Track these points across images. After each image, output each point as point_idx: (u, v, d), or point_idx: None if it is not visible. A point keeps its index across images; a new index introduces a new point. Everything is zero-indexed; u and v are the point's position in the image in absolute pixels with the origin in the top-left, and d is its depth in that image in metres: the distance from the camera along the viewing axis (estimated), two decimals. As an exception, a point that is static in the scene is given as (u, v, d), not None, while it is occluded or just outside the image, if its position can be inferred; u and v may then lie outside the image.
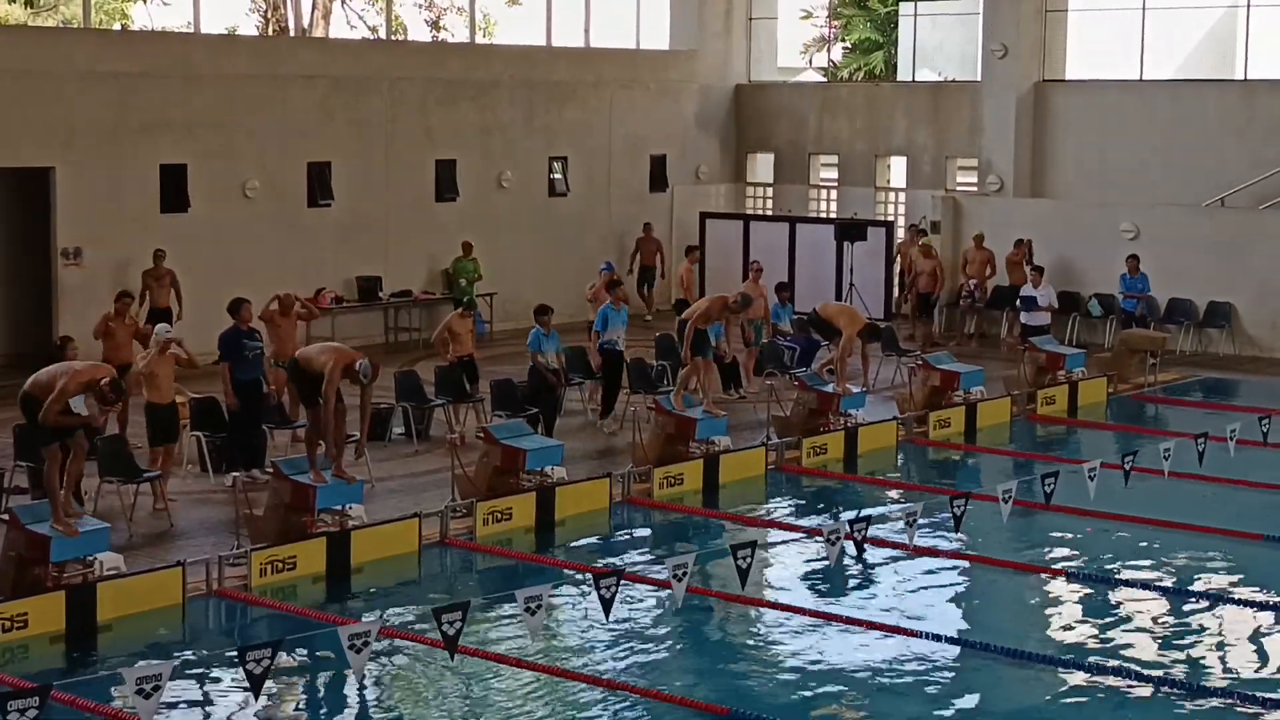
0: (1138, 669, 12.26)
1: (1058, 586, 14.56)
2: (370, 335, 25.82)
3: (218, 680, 11.82)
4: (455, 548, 15.24)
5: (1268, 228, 26.45)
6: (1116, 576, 14.65)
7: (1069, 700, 11.84)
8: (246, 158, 24.82)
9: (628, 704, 11.53)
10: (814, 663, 12.51)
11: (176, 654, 11.97)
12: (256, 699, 10.30)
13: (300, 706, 11.74)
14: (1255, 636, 13.17)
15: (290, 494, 14.71)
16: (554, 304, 20.51)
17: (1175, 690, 11.90)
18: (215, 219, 24.41)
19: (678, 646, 12.92)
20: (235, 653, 9.13)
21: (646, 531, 16.57)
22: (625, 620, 13.13)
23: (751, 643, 13.14)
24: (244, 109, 24.81)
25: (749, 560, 11.54)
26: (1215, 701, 11.65)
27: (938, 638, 12.89)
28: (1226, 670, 12.42)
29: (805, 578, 14.77)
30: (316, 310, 21.07)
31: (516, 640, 12.52)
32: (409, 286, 26.57)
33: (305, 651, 12.29)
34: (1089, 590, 14.37)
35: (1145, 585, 14.44)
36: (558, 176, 29.19)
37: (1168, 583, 14.51)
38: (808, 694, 11.88)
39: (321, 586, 14.14)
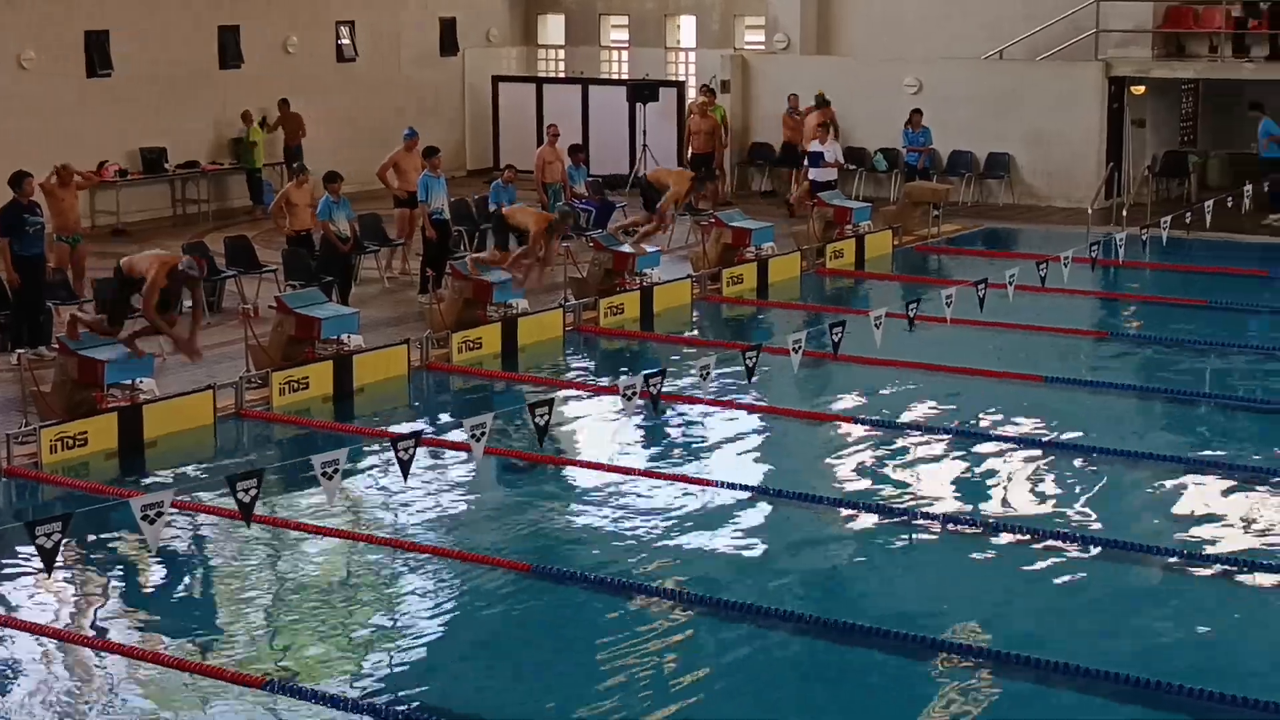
0: (927, 510, 12.71)
1: (849, 433, 14.96)
2: (157, 208, 25.29)
3: (11, 558, 11.68)
4: (251, 419, 15.16)
5: (1043, 79, 27.09)
6: (905, 422, 15.12)
7: (862, 542, 12.25)
8: (19, 27, 23.94)
9: (431, 565, 11.67)
10: (614, 517, 12.75)
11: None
12: (49, 575, 10.24)
13: (96, 583, 11.66)
14: (1036, 475, 13.69)
15: (78, 369, 14.47)
16: (346, 171, 20.27)
17: (964, 529, 12.37)
18: (-11, 91, 23.61)
19: (479, 507, 13.06)
20: (25, 529, 9.03)
21: (446, 396, 16.64)
22: (426, 483, 13.23)
23: (552, 500, 13.32)
24: (13, -24, 23.92)
25: (547, 418, 11.67)
26: (1005, 537, 12.13)
27: (734, 486, 13.22)
28: (1010, 508, 12.90)
29: (603, 434, 14.98)
30: (95, 177, 20.52)
31: (315, 507, 12.56)
32: (195, 158, 26.00)
33: (99, 527, 12.19)
34: (879, 436, 14.80)
35: (933, 429, 14.92)
36: (345, 42, 28.67)
37: (953, 426, 14.99)
38: (609, 548, 12.11)
39: (115, 463, 13.98)
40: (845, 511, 12.76)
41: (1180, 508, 12.86)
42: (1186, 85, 28.18)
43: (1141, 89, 27.13)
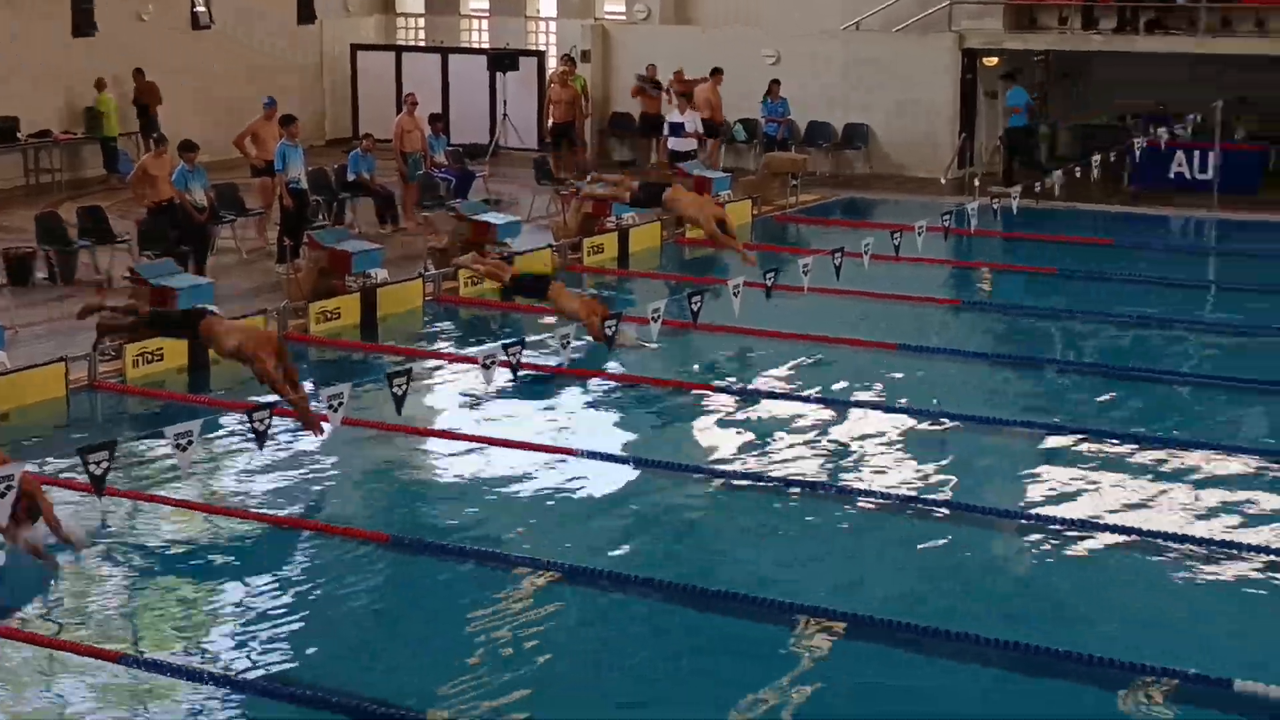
0: (786, 476, 12.89)
1: (708, 401, 15.11)
2: (9, 178, 24.83)
3: None
4: (105, 391, 14.98)
5: (898, 51, 27.45)
6: (763, 389, 15.31)
7: (722, 509, 12.40)
8: None
9: (289, 536, 11.64)
10: (474, 486, 12.79)
11: None
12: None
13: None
14: (893, 441, 13.93)
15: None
16: (203, 140, 20.03)
17: (820, 494, 12.55)
18: None
19: (337, 478, 13.03)
20: None
21: (304, 366, 16.52)
22: (283, 455, 13.17)
23: (411, 470, 13.34)
24: None
25: (404, 388, 11.68)
26: (863, 503, 12.33)
27: (593, 454, 13.32)
28: (867, 474, 13.09)
29: (463, 404, 15.00)
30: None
31: (170, 479, 12.46)
32: (48, 127, 25.53)
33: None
34: (738, 403, 14.97)
35: (790, 396, 15.12)
36: (201, 9, 28.22)
37: (811, 393, 15.20)
38: (469, 518, 12.14)
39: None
40: (705, 478, 12.89)
41: (1031, 472, 13.15)
42: (1037, 57, 28.68)
43: (994, 60, 27.59)
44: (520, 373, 13.90)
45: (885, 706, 9.33)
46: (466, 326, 18.16)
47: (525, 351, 13.82)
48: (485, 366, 12.48)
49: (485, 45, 31.58)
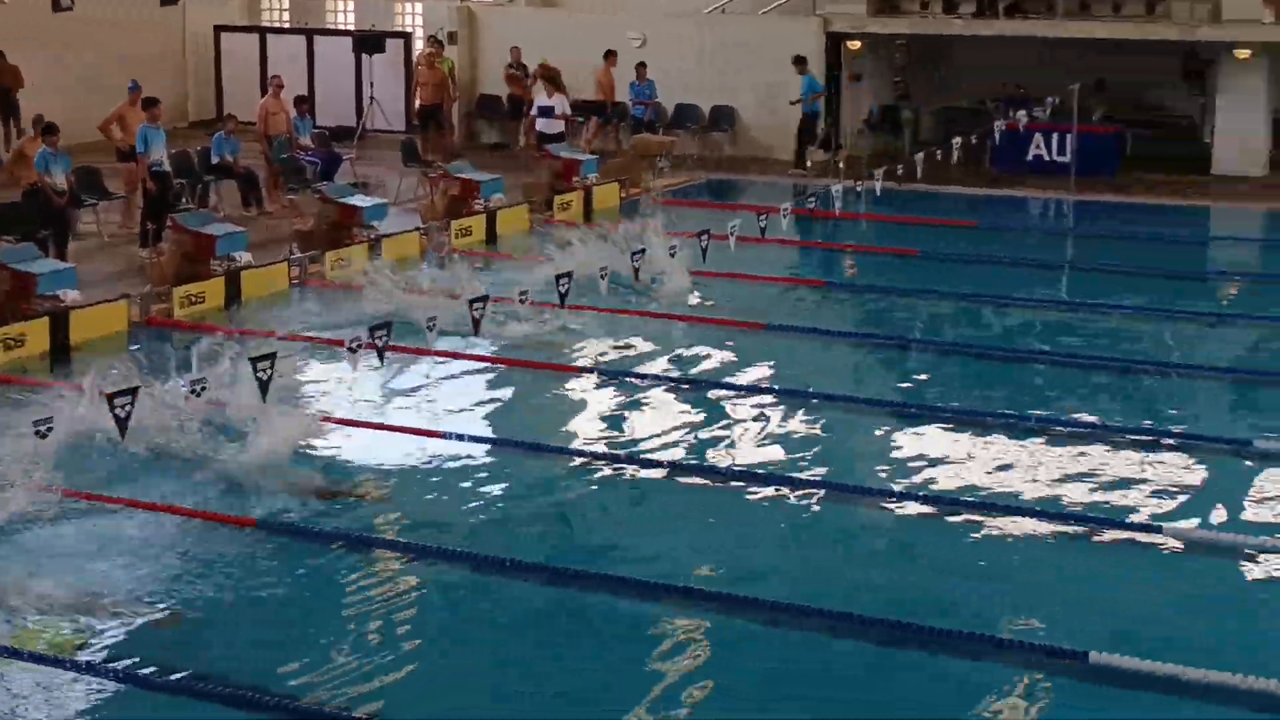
0: (657, 457, 13.00)
1: (578, 383, 15.19)
2: None
3: None
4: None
5: (764, 34, 27.67)
6: (632, 371, 15.40)
7: (594, 490, 12.43)
8: None
9: (155, 523, 11.53)
10: (343, 470, 12.75)
11: None
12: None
13: None
14: (761, 420, 14.09)
15: None
16: (65, 123, 19.71)
17: (693, 476, 12.65)
18: None
19: (202, 463, 12.92)
20: None
21: (167, 351, 16.36)
22: (149, 441, 13.02)
23: (278, 454, 13.24)
24: None
25: (270, 372, 11.62)
26: (735, 483, 12.44)
27: (461, 437, 13.34)
28: (737, 454, 13.23)
29: (329, 388, 14.94)
30: None
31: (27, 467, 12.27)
32: (-101, 108, 25.00)
33: None
34: (607, 385, 15.05)
35: (659, 377, 15.23)
36: (59, -11, 27.73)
37: (680, 374, 15.33)
38: (336, 500, 12.12)
39: None
40: (577, 460, 12.95)
41: (896, 450, 13.37)
42: (900, 40, 29.04)
43: (857, 44, 27.90)
44: (387, 355, 13.86)
45: (749, 684, 9.45)
46: (333, 309, 18.03)
47: (393, 334, 13.78)
48: (351, 350, 12.46)
49: (351, 27, 31.37)
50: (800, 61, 26.59)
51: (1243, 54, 25.88)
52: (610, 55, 26.80)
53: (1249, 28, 25.68)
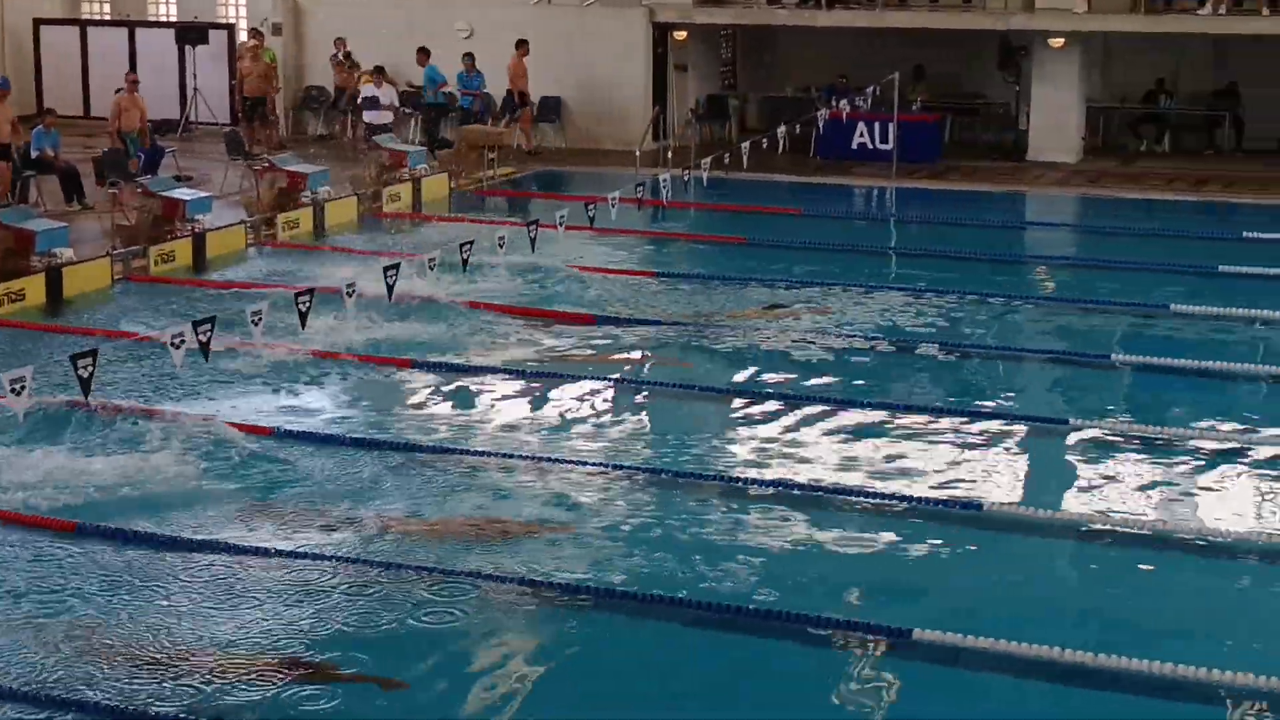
0: (480, 447, 13.05)
1: (408, 376, 15.17)
2: None
3: None
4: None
5: (591, 24, 27.81)
6: (457, 363, 15.42)
7: (403, 478, 12.41)
8: None
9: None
10: (165, 466, 12.62)
11: None
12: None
13: None
14: (593, 408, 14.23)
15: None
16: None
17: (525, 463, 12.67)
18: None
19: (22, 461, 12.72)
20: None
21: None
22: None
23: (101, 452, 13.08)
24: None
25: (90, 369, 11.47)
26: (580, 472, 12.48)
27: (290, 434, 13.28)
28: (571, 441, 13.33)
29: (151, 385, 14.75)
30: None
31: None
32: None
33: None
34: (434, 377, 15.06)
35: (489, 369, 15.28)
36: None
37: (504, 364, 15.39)
38: (158, 497, 12.00)
39: None
40: (391, 454, 12.85)
41: (724, 434, 13.61)
42: (725, 31, 29.37)
43: (683, 35, 28.16)
44: (212, 351, 13.74)
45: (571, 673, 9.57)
46: (157, 305, 17.82)
47: (217, 329, 13.66)
48: (174, 346, 12.33)
49: (173, 19, 30.94)
50: (423, 52, 26.66)
51: (1056, 42, 26.58)
52: (521, 45, 26.82)
53: (1061, 16, 26.38)
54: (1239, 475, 12.63)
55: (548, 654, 9.72)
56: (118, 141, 22.45)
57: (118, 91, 23.59)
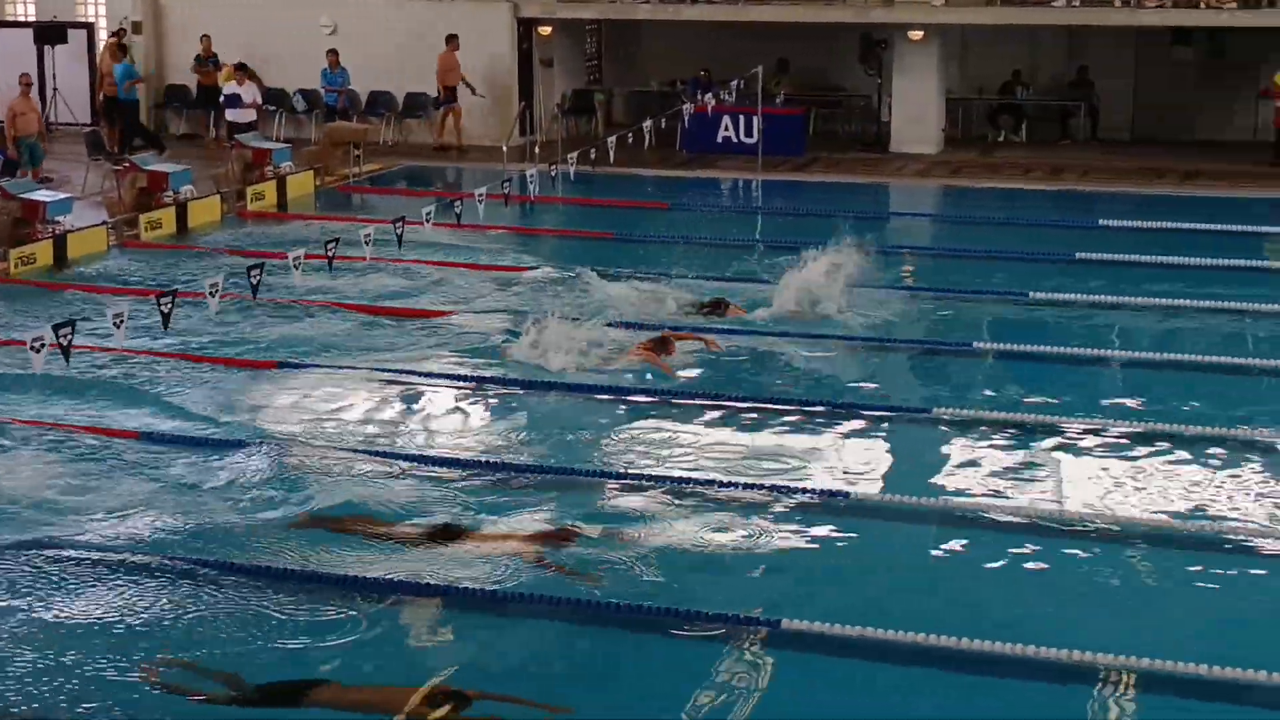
0: (352, 444, 13.03)
1: (274, 376, 15.05)
2: None
3: None
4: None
5: (455, 20, 27.70)
6: (323, 363, 15.28)
7: (321, 485, 12.24)
8: None
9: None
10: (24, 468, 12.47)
11: None
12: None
13: None
14: (459, 407, 14.24)
15: None
16: None
17: (399, 462, 12.65)
18: None
19: None
20: None
21: None
22: None
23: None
24: None
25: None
26: (493, 476, 12.41)
27: (165, 438, 13.14)
28: (452, 444, 13.33)
29: (14, 388, 14.53)
30: None
31: None
32: None
33: None
34: (304, 377, 14.95)
35: (351, 368, 15.17)
36: None
37: (371, 362, 15.29)
38: (33, 507, 11.85)
39: None
40: (289, 455, 12.74)
41: (620, 431, 13.64)
42: (590, 25, 29.43)
43: (548, 29, 28.18)
44: (72, 354, 13.55)
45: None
46: (16, 309, 17.52)
47: (78, 331, 13.47)
48: (35, 349, 12.17)
49: (32, 18, 30.41)
50: (120, 48, 26.49)
51: (915, 35, 26.96)
52: (451, 40, 26.64)
53: (921, 9, 26.77)
54: (1100, 457, 12.93)
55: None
56: (13, 148, 21.94)
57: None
